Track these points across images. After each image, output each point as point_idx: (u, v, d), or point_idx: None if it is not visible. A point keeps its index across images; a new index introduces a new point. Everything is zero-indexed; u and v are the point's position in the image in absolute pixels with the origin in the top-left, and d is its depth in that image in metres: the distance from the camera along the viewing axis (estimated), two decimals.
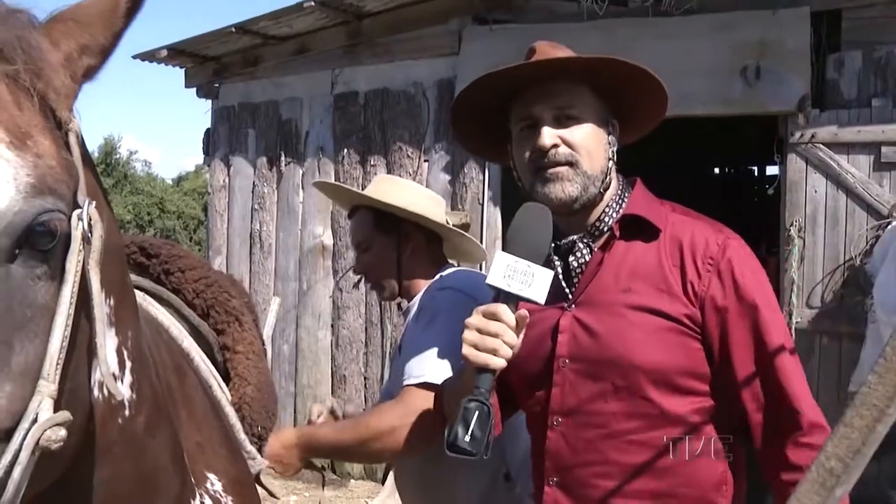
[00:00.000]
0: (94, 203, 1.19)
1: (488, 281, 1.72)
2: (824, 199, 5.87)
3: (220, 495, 1.78)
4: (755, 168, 15.54)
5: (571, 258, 1.96)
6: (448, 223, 2.76)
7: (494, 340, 1.69)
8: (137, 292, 1.94)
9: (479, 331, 1.70)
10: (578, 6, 6.19)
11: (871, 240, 5.69)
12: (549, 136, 1.88)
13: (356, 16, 7.11)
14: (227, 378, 2.05)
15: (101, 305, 1.19)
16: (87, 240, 1.17)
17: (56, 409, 1.10)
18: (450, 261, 2.83)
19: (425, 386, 2.31)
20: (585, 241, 1.97)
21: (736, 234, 1.93)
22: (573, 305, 1.94)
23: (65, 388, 1.13)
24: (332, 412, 2.73)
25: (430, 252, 2.71)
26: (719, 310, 1.84)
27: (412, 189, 2.83)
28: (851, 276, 5.78)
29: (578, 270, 1.96)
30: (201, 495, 1.71)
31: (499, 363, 1.69)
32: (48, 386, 1.09)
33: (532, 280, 1.70)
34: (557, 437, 1.94)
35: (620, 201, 2.00)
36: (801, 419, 1.78)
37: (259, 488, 2.09)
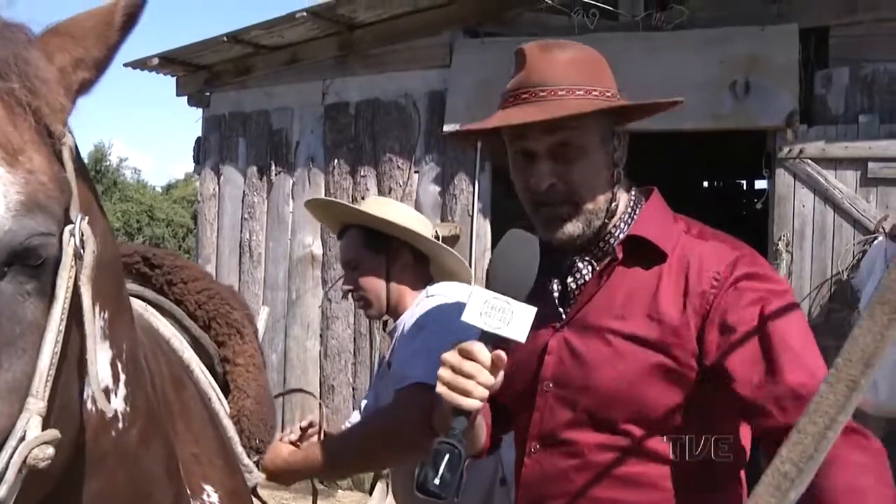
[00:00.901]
0: (86, 218, 1.18)
1: (463, 318, 1.63)
2: (812, 214, 5.92)
3: None
4: (744, 182, 15.63)
5: (570, 279, 1.85)
6: (439, 238, 2.80)
7: (468, 382, 1.60)
8: (139, 302, 1.95)
9: (454, 369, 1.62)
10: (569, 20, 6.24)
11: (857, 255, 5.74)
12: (544, 174, 1.75)
13: (348, 27, 7.13)
14: (226, 390, 2.05)
15: (92, 322, 1.18)
16: (78, 255, 1.16)
17: (45, 426, 1.10)
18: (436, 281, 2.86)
19: (416, 386, 2.32)
20: (587, 260, 1.85)
21: (753, 250, 1.79)
22: (565, 327, 1.83)
23: (55, 404, 1.13)
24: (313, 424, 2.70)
25: (417, 270, 2.77)
26: (724, 321, 1.68)
27: (401, 208, 2.91)
28: (838, 291, 5.83)
29: (576, 291, 1.85)
30: None
31: (472, 404, 1.60)
32: (36, 403, 1.09)
33: (511, 318, 1.61)
34: (532, 464, 1.87)
35: (629, 219, 1.85)
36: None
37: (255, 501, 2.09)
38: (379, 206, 2.82)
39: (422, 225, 2.83)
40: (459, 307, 1.68)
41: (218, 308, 2.08)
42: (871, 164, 5.76)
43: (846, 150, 5.80)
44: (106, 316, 1.33)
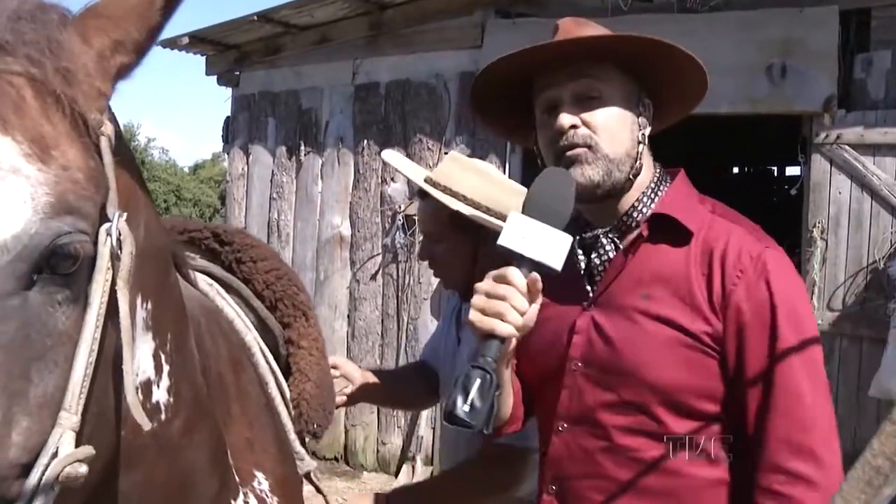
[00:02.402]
0: (125, 215, 1.12)
1: (499, 241, 1.56)
2: (848, 201, 5.81)
3: (267, 495, 1.74)
4: (774, 168, 15.45)
5: (594, 255, 1.83)
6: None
7: (502, 304, 1.52)
8: (205, 278, 1.91)
9: (487, 294, 1.55)
10: (602, 1, 6.15)
11: (895, 243, 5.63)
12: (566, 116, 1.76)
13: (378, 6, 7.08)
14: (287, 373, 2.02)
15: (129, 329, 1.12)
16: (115, 256, 1.10)
17: (79, 440, 1.05)
18: None
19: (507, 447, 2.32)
20: (610, 236, 1.83)
21: (777, 245, 1.77)
22: (592, 305, 1.82)
23: (89, 414, 1.08)
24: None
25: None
26: (741, 325, 1.68)
27: (492, 180, 2.54)
28: (874, 280, 5.72)
29: (601, 269, 1.83)
30: (245, 494, 1.67)
31: (505, 329, 1.52)
32: (70, 418, 1.04)
33: (547, 243, 1.54)
34: (560, 442, 1.85)
35: (653, 195, 1.84)
36: (781, 461, 1.63)
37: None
38: (465, 178, 2.45)
39: (514, 197, 2.41)
40: None
41: (286, 289, 2.04)
42: None
43: (885, 135, 5.68)
44: (149, 307, 1.28)
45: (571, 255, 1.76)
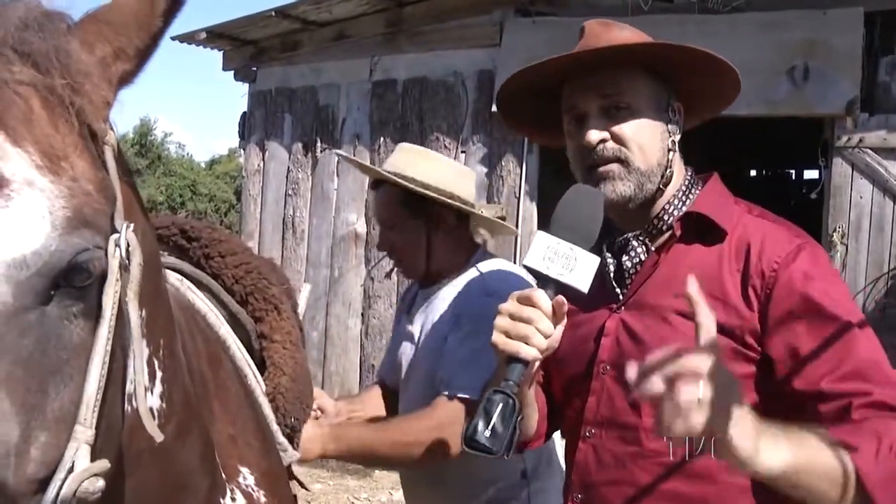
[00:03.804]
0: (132, 225, 1.11)
1: (525, 262, 1.54)
2: (869, 206, 5.75)
3: (253, 489, 1.74)
4: (793, 171, 15.35)
5: (625, 258, 1.79)
6: (480, 211, 2.63)
7: (527, 327, 1.50)
8: (175, 275, 1.89)
9: (512, 316, 1.52)
10: (623, 0, 6.10)
11: None
12: (594, 131, 1.72)
13: (397, 3, 7.06)
14: (262, 367, 2.01)
15: (140, 340, 1.12)
16: (124, 267, 1.09)
17: (94, 452, 1.05)
18: (479, 233, 2.72)
19: (460, 400, 2.24)
20: (641, 239, 1.79)
21: (813, 241, 1.73)
22: (622, 308, 1.78)
23: (101, 427, 1.07)
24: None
25: (459, 232, 2.55)
26: (782, 315, 1.62)
27: (441, 163, 2.60)
28: (895, 286, 5.66)
29: (632, 271, 1.79)
30: (232, 490, 1.67)
31: (530, 352, 1.50)
32: (85, 432, 1.03)
33: (574, 264, 1.51)
34: (587, 449, 1.81)
35: (685, 197, 1.81)
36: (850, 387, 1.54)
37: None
38: (413, 162, 2.53)
39: (465, 179, 2.57)
40: None
41: (255, 283, 2.02)
42: None
43: None
44: (143, 314, 1.27)
45: (600, 256, 1.72)
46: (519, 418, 1.47)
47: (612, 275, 1.81)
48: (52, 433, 1.02)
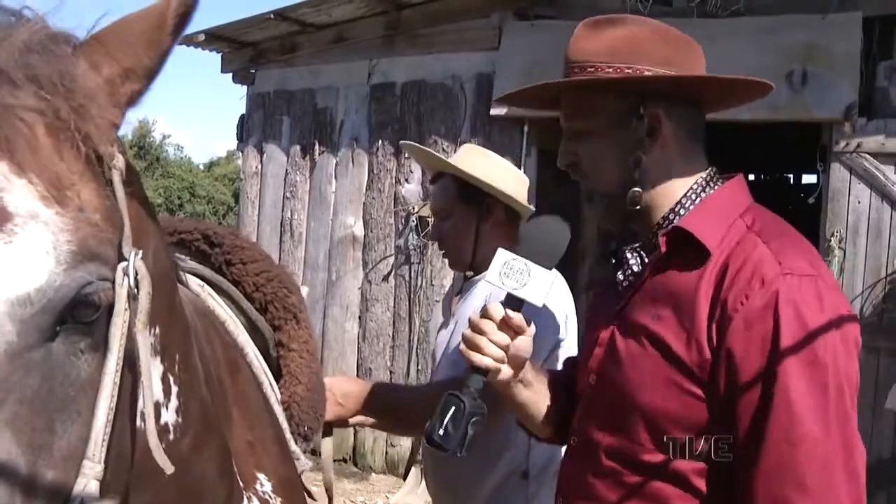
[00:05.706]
0: (140, 253, 1.08)
1: (486, 277, 1.70)
2: (867, 211, 5.74)
3: (269, 496, 1.73)
4: (790, 176, 15.33)
5: (619, 272, 1.76)
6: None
7: (480, 338, 1.66)
8: (196, 280, 1.89)
9: (472, 328, 1.68)
10: (622, 3, 6.10)
11: None
12: (560, 156, 1.78)
13: (396, 6, 7.06)
14: (278, 376, 2.01)
15: (148, 374, 1.09)
16: (133, 297, 1.06)
17: (103, 487, 1.03)
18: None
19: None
20: (637, 251, 1.74)
21: (810, 271, 1.51)
22: (615, 320, 1.74)
23: (111, 457, 1.05)
24: None
25: (508, 228, 2.67)
26: (730, 361, 1.50)
27: (501, 165, 2.75)
28: (893, 291, 5.65)
29: (625, 284, 1.75)
30: (249, 498, 1.66)
31: (482, 360, 1.65)
32: (94, 468, 1.02)
33: (527, 279, 1.65)
34: (569, 459, 1.84)
35: (691, 205, 1.69)
36: None
37: None
38: (475, 160, 2.69)
39: (520, 183, 2.71)
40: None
41: (276, 291, 2.02)
42: None
43: None
44: (157, 331, 1.24)
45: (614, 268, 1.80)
46: (473, 420, 1.62)
47: (618, 285, 1.78)
48: (59, 471, 0.99)
